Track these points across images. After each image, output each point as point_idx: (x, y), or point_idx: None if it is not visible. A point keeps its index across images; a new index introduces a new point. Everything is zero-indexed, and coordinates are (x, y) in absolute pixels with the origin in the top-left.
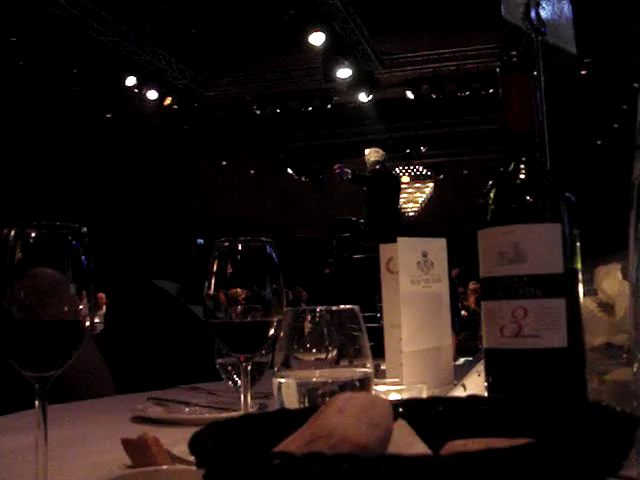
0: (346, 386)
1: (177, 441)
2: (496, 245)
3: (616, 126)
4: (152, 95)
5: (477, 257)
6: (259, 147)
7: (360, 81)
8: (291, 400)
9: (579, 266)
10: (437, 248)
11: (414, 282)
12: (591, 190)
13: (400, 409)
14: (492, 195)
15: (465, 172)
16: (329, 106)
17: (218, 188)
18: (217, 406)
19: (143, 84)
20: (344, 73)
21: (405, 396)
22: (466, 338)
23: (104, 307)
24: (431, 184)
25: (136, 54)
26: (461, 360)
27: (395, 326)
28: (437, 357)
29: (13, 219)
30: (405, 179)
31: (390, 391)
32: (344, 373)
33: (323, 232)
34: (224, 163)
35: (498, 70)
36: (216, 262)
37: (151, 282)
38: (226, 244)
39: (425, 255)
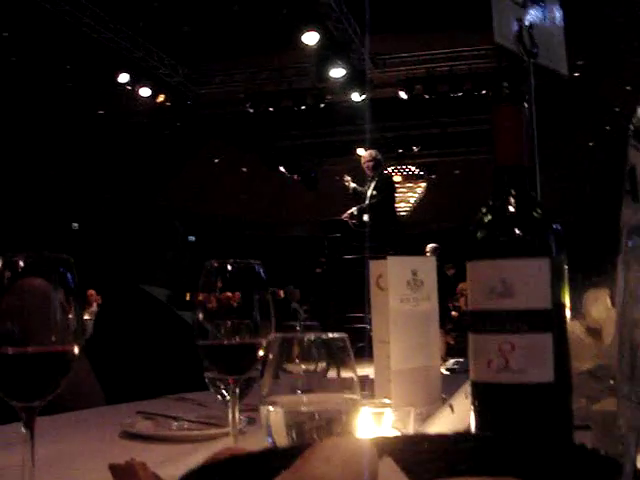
0: (333, 421)
1: (166, 459)
2: (485, 279)
3: (608, 128)
4: (145, 92)
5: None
6: (251, 145)
7: (353, 81)
8: (278, 430)
9: (567, 299)
10: (427, 266)
11: (403, 301)
12: (582, 192)
13: (387, 447)
14: (481, 227)
15: (457, 172)
16: (322, 105)
17: (210, 186)
18: (205, 421)
19: (136, 81)
20: (337, 73)
21: (393, 417)
22: (456, 339)
23: (95, 304)
24: (423, 184)
25: (129, 51)
26: (451, 362)
27: (384, 342)
28: (426, 375)
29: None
30: (397, 179)
31: (378, 413)
32: (332, 401)
33: (315, 230)
34: (216, 161)
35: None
36: (204, 282)
37: (139, 288)
38: (215, 265)
39: (415, 274)
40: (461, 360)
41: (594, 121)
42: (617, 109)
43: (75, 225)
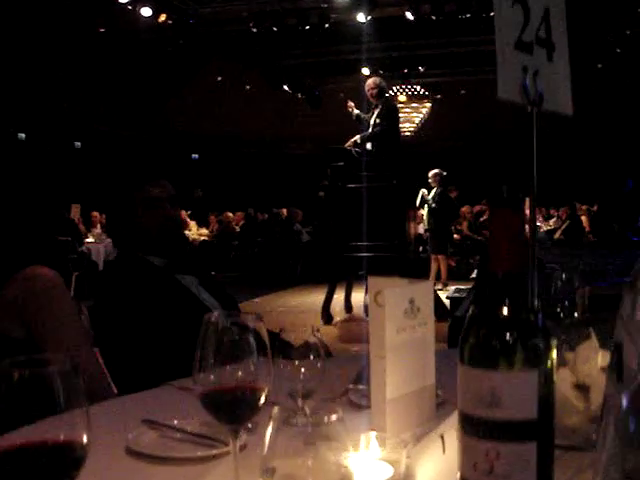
0: None
1: None
2: (474, 387)
3: (619, 51)
4: (146, 12)
5: (474, 178)
6: (254, 63)
7: (359, 1)
8: None
9: (554, 406)
10: (423, 293)
11: (400, 331)
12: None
13: None
14: (472, 333)
15: (463, 92)
16: (326, 25)
17: (213, 104)
18: (208, 435)
19: (136, 1)
20: None
21: (386, 447)
22: (458, 262)
23: (98, 225)
24: (428, 104)
25: None
26: (452, 289)
27: (381, 357)
28: (421, 397)
29: None
30: (402, 98)
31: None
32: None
33: (318, 149)
34: (219, 79)
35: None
36: (204, 335)
37: (139, 256)
38: (213, 319)
39: (412, 302)
40: (462, 287)
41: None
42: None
43: (78, 144)
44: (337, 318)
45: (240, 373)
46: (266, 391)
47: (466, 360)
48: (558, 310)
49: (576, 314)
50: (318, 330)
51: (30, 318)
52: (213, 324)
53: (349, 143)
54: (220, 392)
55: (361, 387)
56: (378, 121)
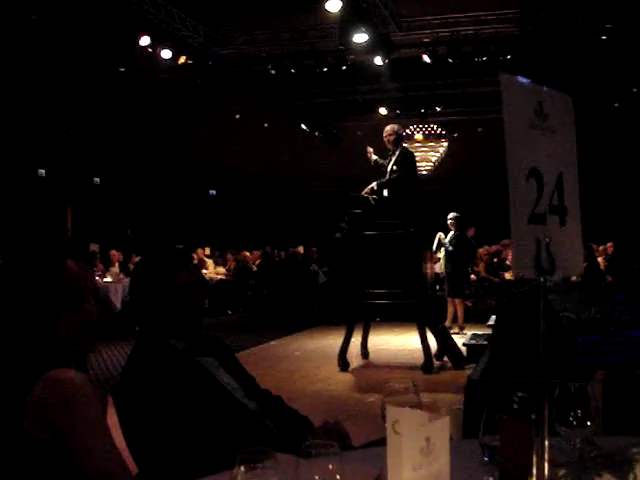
0: None
1: None
2: None
3: (635, 90)
4: (166, 54)
5: (491, 215)
6: (273, 102)
7: (376, 45)
8: None
9: None
10: (440, 428)
11: (416, 469)
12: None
13: None
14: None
15: (480, 130)
16: (344, 67)
17: (231, 141)
18: None
19: (157, 43)
20: (360, 38)
21: None
22: (475, 303)
23: (117, 264)
24: (445, 143)
25: (150, 13)
26: (468, 334)
27: None
28: None
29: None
30: (419, 137)
31: None
32: None
33: (334, 186)
34: (238, 117)
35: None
36: None
37: (163, 339)
38: None
39: (428, 440)
40: (479, 333)
41: (621, 83)
42: None
43: (97, 180)
44: (354, 364)
45: None
46: None
47: None
48: (571, 419)
49: (589, 423)
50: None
51: (58, 423)
52: None
53: (366, 190)
54: None
55: None
56: (395, 168)
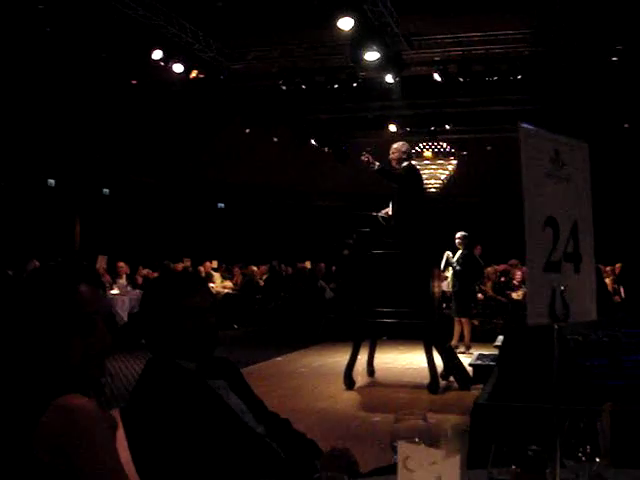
0: None
1: None
2: None
3: None
4: (178, 68)
5: (498, 234)
6: (283, 117)
7: (388, 63)
8: None
9: None
10: (451, 467)
11: None
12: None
13: None
14: None
15: (489, 148)
16: (355, 84)
17: (241, 155)
18: None
19: (169, 57)
20: (372, 56)
21: None
22: (481, 322)
23: (124, 276)
24: (454, 161)
25: (163, 28)
26: (475, 354)
27: None
28: None
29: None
30: (428, 155)
31: None
32: None
33: (342, 201)
34: (247, 131)
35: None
36: None
37: (175, 361)
38: None
39: (439, 478)
40: (485, 353)
41: (631, 104)
42: None
43: (106, 191)
44: (360, 382)
45: None
46: None
47: None
48: (580, 454)
49: (597, 459)
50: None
51: (67, 449)
52: None
53: (382, 213)
54: None
55: None
56: (398, 187)
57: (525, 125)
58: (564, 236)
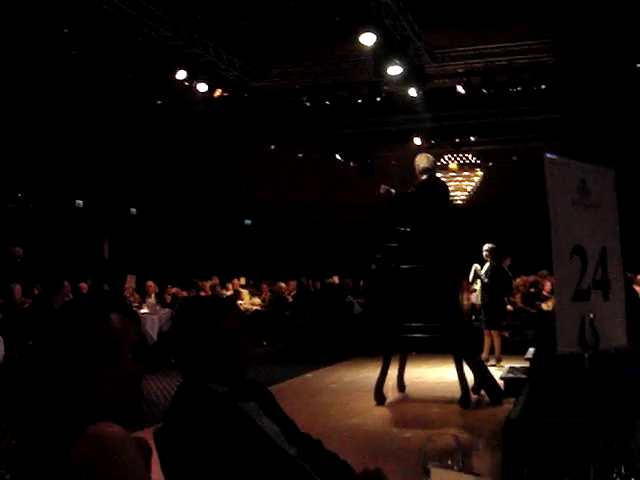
0: None
1: None
2: None
3: None
4: (202, 87)
5: (527, 245)
6: (307, 133)
7: (411, 77)
8: None
9: None
10: None
11: None
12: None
13: None
14: None
15: (514, 158)
16: (378, 99)
17: (267, 172)
18: None
19: (193, 77)
20: (395, 70)
21: None
22: (512, 334)
23: (153, 295)
24: (480, 172)
25: (187, 47)
26: (506, 367)
27: None
28: None
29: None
30: (453, 167)
31: None
32: None
33: (369, 216)
34: (272, 147)
35: None
36: None
37: (206, 384)
38: None
39: None
40: (516, 366)
41: None
42: None
43: (133, 210)
44: (390, 398)
45: None
46: None
47: None
48: (614, 475)
49: None
50: None
51: (99, 478)
52: None
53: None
54: None
55: None
56: (416, 197)
57: (550, 155)
58: (592, 264)
